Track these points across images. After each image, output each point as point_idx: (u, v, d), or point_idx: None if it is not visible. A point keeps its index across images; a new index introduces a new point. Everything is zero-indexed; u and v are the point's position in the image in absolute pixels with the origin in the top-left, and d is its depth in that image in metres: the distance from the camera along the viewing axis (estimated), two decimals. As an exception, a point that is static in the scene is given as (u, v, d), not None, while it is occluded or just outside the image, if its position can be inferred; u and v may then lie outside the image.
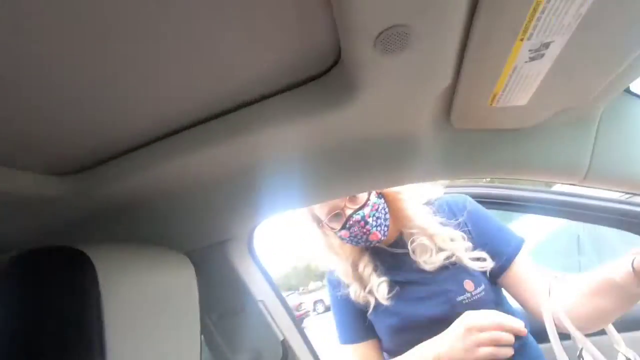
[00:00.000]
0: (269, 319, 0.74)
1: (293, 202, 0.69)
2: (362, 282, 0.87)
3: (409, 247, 0.84)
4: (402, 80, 0.43)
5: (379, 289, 0.83)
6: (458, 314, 0.74)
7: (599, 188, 0.64)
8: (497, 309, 0.75)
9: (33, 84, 0.36)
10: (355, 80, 0.44)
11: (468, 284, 0.78)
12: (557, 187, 1.18)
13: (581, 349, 0.55)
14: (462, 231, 0.82)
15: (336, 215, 0.83)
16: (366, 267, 0.88)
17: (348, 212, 0.82)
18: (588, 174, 0.61)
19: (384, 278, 0.85)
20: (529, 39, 0.38)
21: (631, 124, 0.61)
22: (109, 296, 0.39)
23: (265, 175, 0.60)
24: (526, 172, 0.65)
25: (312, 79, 0.47)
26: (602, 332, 0.67)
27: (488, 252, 0.80)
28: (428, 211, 0.87)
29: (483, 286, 0.78)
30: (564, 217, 1.04)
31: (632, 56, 0.42)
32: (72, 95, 0.39)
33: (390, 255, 0.88)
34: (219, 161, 0.55)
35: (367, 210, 0.81)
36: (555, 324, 0.57)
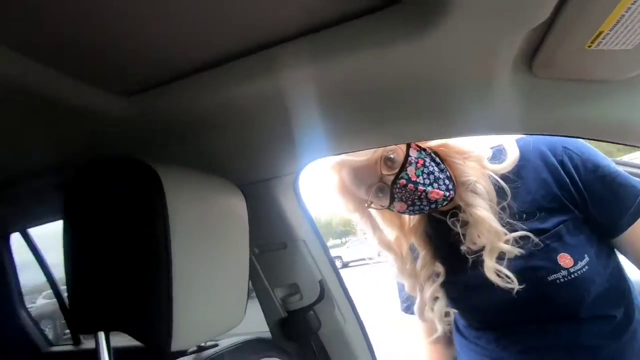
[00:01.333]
0: (309, 258, 0.76)
1: (346, 144, 0.66)
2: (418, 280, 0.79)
3: (457, 228, 0.71)
4: (497, 5, 0.38)
5: (435, 307, 0.76)
6: (550, 296, 0.64)
7: None
8: (606, 284, 0.65)
9: None
10: (441, 3, 0.39)
11: (564, 259, 0.64)
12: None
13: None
14: (564, 183, 0.67)
15: (378, 189, 0.71)
16: (424, 267, 0.78)
17: (389, 180, 0.69)
18: None
19: (439, 290, 0.76)
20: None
21: None
22: (174, 209, 0.40)
23: (320, 112, 0.58)
24: (602, 132, 0.59)
25: (381, 7, 0.43)
26: None
27: (604, 204, 0.65)
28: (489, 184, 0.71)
29: (587, 258, 0.64)
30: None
31: None
32: (137, 13, 0.37)
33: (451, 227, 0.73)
34: (275, 93, 0.53)
35: (410, 170, 0.67)
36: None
